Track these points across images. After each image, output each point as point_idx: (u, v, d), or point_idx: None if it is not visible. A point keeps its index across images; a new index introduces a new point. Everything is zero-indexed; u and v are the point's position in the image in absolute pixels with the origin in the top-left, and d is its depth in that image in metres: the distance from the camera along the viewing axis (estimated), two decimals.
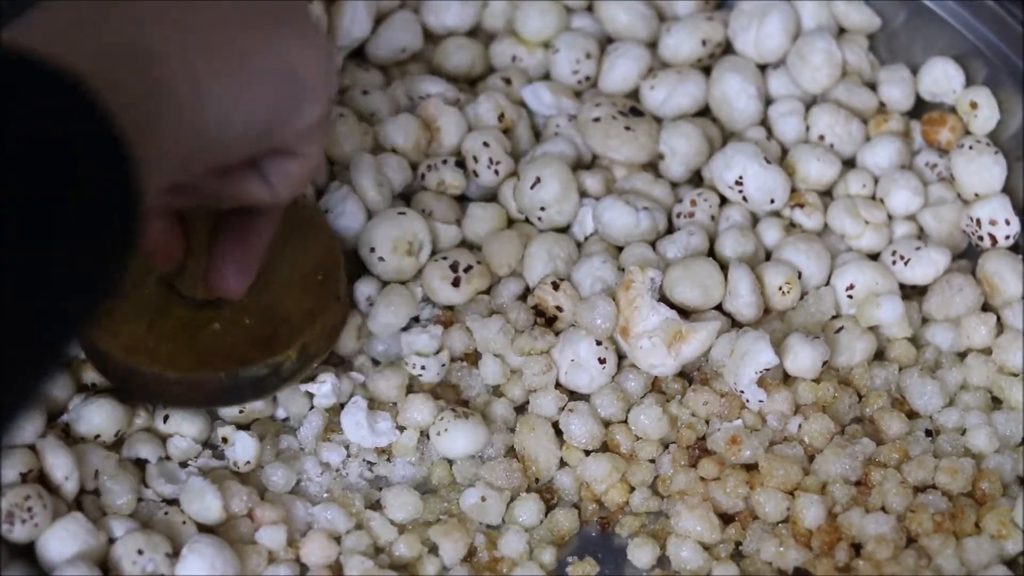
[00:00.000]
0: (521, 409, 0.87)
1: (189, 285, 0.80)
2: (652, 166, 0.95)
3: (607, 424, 0.85)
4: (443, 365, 0.86)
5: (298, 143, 0.70)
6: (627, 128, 0.93)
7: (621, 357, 0.87)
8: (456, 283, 0.87)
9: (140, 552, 0.76)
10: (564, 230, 0.92)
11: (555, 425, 0.85)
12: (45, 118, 0.52)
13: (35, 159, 0.51)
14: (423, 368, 0.85)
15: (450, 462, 0.84)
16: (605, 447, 0.85)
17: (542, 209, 0.90)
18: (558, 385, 0.86)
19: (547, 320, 0.87)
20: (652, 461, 0.84)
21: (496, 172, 0.92)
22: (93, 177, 0.53)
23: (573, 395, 0.86)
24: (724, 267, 0.88)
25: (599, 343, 0.85)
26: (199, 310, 0.80)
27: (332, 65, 0.71)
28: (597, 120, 0.93)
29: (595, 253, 0.89)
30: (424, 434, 0.85)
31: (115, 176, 0.54)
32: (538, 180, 0.90)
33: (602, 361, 0.85)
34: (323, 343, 0.83)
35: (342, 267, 0.85)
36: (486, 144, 0.92)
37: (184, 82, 0.60)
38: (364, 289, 0.88)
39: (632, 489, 0.83)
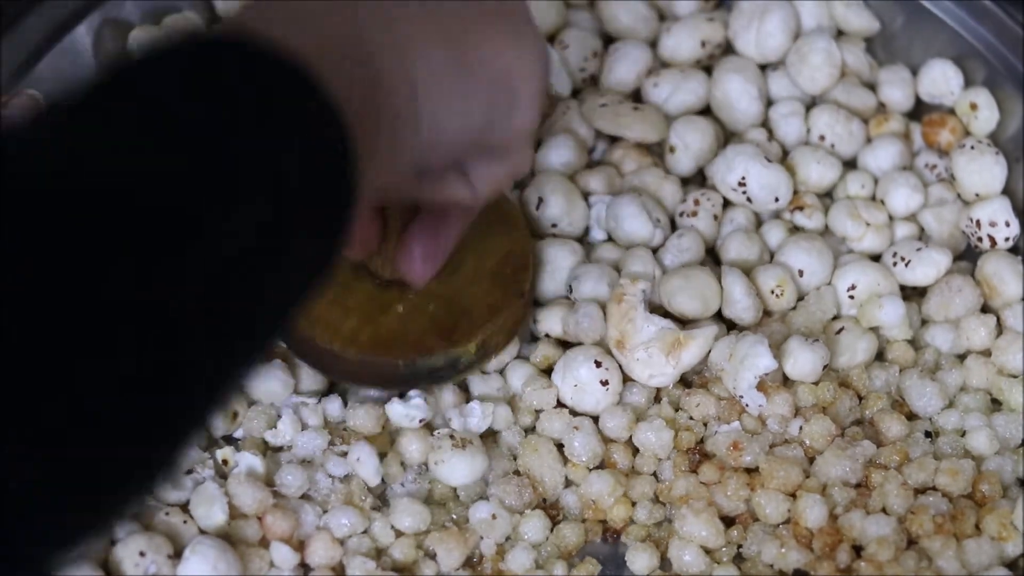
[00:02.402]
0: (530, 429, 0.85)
1: (378, 263, 0.79)
2: (659, 156, 0.94)
3: (610, 442, 0.84)
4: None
5: (507, 146, 0.68)
6: (635, 108, 0.93)
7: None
8: None
9: (142, 554, 0.76)
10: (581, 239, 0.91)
11: (560, 444, 0.84)
12: (272, 104, 0.51)
13: (258, 149, 0.50)
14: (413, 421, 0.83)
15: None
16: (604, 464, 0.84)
17: (554, 226, 0.90)
18: (564, 405, 0.85)
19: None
20: (654, 474, 0.83)
21: None
22: (315, 165, 0.52)
23: (579, 414, 0.85)
24: None
25: (599, 364, 0.84)
26: (384, 290, 0.80)
27: (547, 69, 0.69)
28: (604, 105, 0.94)
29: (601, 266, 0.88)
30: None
31: (336, 167, 0.53)
32: (541, 200, 0.90)
33: (604, 383, 0.84)
34: (503, 339, 0.83)
35: (531, 264, 0.84)
36: None
37: (402, 80, 0.59)
38: None
39: (634, 504, 0.82)
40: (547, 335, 0.87)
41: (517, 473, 0.83)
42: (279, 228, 0.51)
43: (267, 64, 0.51)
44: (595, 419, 0.84)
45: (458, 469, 0.81)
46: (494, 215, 0.82)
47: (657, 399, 0.86)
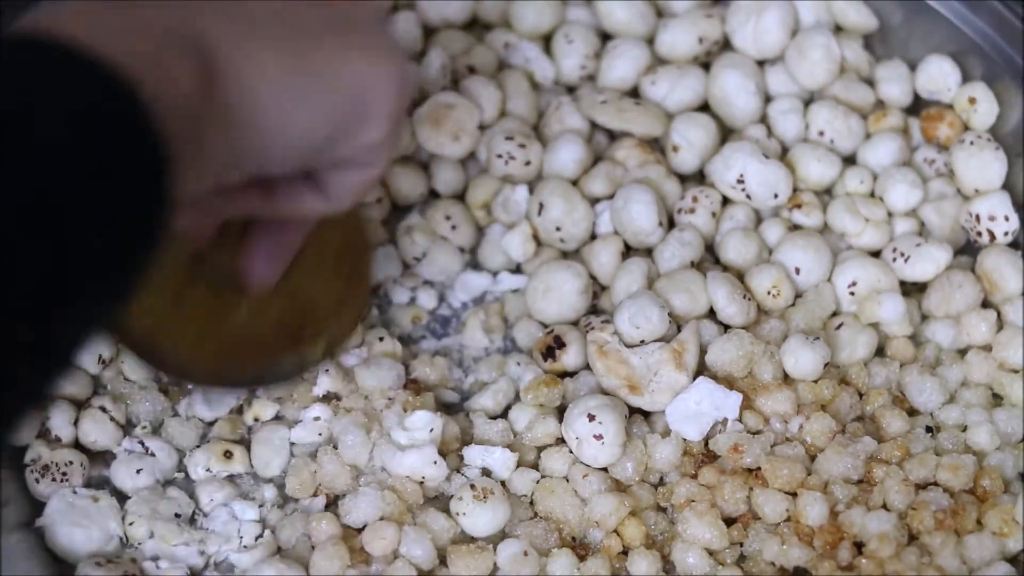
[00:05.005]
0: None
1: (218, 263, 0.75)
2: (661, 153, 0.94)
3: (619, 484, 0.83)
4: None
5: (360, 157, 0.66)
6: (637, 103, 0.94)
7: (634, 411, 0.85)
8: (546, 356, 0.87)
9: None
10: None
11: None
12: (75, 109, 0.50)
13: (61, 153, 0.49)
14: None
15: None
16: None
17: (558, 229, 0.90)
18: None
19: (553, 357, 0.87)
20: (655, 486, 0.83)
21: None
22: (120, 176, 0.51)
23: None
24: (726, 269, 0.89)
25: (591, 418, 0.81)
26: (223, 292, 0.75)
27: (404, 82, 0.66)
28: (604, 102, 0.94)
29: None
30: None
31: (144, 177, 0.51)
32: (541, 206, 0.90)
33: (598, 437, 0.81)
34: (348, 331, 0.79)
35: (371, 254, 0.81)
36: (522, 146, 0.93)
37: (240, 83, 0.57)
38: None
39: (642, 521, 0.81)
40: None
41: (539, 516, 0.82)
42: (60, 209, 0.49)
43: (62, 65, 0.50)
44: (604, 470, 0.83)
45: (481, 520, 0.80)
46: None
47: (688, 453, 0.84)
